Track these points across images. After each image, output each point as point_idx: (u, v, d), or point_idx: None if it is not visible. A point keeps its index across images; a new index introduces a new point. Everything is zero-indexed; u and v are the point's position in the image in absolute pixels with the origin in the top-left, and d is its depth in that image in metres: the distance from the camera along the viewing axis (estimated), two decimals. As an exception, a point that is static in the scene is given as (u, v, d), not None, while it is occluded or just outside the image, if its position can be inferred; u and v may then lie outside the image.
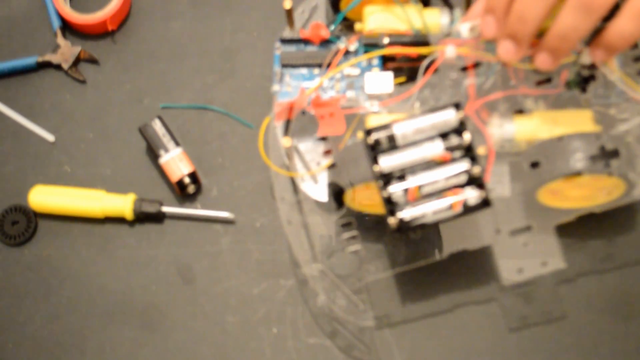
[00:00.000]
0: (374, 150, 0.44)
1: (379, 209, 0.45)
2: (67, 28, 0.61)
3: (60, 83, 0.61)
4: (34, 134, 0.60)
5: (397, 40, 0.49)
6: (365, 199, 0.49)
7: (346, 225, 0.52)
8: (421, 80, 0.47)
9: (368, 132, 0.44)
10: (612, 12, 0.41)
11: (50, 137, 0.59)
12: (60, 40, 0.60)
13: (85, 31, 0.61)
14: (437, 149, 0.43)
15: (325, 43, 0.52)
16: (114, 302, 0.56)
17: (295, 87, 0.51)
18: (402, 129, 0.44)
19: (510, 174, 0.49)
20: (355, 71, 0.51)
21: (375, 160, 0.44)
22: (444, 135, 0.44)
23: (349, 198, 0.49)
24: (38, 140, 0.59)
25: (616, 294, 0.53)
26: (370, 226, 0.53)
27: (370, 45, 0.50)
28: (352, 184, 0.47)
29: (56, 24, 0.61)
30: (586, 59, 0.44)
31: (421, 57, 0.48)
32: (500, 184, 0.49)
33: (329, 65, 0.50)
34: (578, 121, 0.46)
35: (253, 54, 0.60)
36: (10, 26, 0.62)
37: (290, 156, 0.51)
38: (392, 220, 0.43)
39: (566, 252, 0.50)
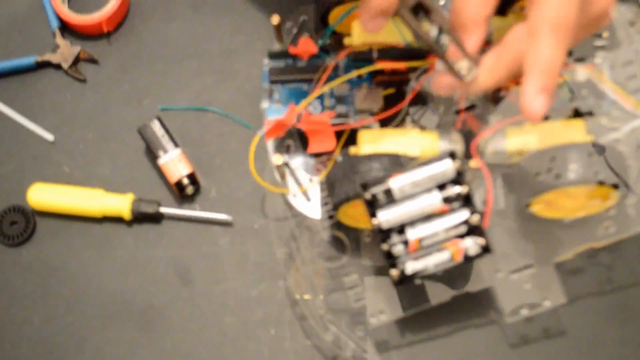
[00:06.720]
0: (372, 206, 0.44)
1: (369, 224, 0.45)
2: (66, 28, 0.61)
3: (59, 83, 0.60)
4: (33, 134, 0.59)
5: (387, 54, 0.48)
6: (358, 214, 0.49)
7: (348, 273, 0.52)
8: (410, 93, 0.47)
9: (364, 187, 0.44)
10: None
11: (49, 137, 0.59)
12: (59, 40, 0.60)
13: (83, 32, 0.61)
14: (435, 200, 0.43)
15: (315, 58, 0.51)
16: (112, 302, 0.56)
17: (284, 104, 0.51)
18: (399, 183, 0.43)
19: (504, 187, 0.48)
20: (345, 86, 0.50)
21: (373, 215, 0.44)
22: (441, 186, 0.43)
23: (341, 213, 0.49)
24: (37, 140, 0.59)
25: (615, 303, 0.53)
26: (371, 272, 0.52)
27: (359, 60, 0.50)
28: (341, 202, 0.47)
29: (55, 24, 0.60)
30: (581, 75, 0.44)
31: (411, 69, 0.47)
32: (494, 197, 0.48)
33: (318, 80, 0.50)
34: (570, 131, 0.46)
35: (252, 55, 0.59)
36: (9, 26, 0.62)
37: (282, 174, 0.51)
38: (393, 273, 0.43)
39: (565, 279, 0.50)
